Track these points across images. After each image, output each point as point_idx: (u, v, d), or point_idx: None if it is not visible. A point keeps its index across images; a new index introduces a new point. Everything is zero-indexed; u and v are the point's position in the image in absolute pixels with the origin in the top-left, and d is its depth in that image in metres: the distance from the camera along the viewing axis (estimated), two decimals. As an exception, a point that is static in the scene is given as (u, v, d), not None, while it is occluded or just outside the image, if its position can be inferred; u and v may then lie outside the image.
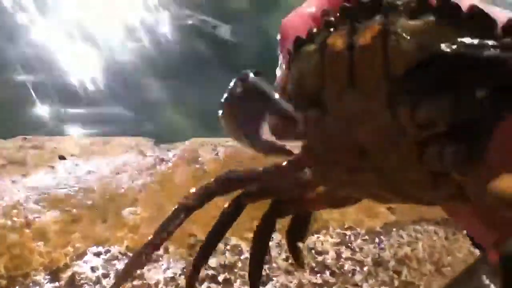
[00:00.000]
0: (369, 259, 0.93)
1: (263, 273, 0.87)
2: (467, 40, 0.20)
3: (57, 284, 0.77)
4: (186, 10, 2.27)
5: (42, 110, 1.70)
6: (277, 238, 0.93)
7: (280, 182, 0.33)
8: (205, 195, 0.35)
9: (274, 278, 0.86)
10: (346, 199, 0.33)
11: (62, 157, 1.00)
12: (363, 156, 0.25)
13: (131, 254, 0.84)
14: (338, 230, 0.97)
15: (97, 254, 0.82)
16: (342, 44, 0.23)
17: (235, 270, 0.86)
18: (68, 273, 0.79)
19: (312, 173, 0.30)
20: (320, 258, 0.92)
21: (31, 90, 1.73)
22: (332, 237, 0.96)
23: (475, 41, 0.20)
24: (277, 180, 0.33)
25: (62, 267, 0.80)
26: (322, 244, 0.94)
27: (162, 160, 1.05)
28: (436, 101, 0.21)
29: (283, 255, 0.90)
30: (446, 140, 0.22)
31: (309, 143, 0.28)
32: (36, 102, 1.71)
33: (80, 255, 0.82)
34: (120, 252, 0.84)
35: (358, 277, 0.89)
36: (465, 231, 0.96)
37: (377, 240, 0.97)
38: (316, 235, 0.95)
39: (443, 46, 0.20)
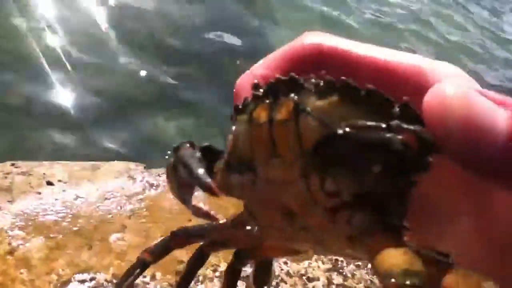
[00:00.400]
0: (361, 286, 0.91)
1: (253, 300, 0.84)
2: (357, 121, 0.22)
3: (39, 313, 0.75)
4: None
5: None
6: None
7: (233, 236, 0.35)
8: (162, 251, 0.37)
9: (264, 306, 0.84)
10: (297, 250, 0.35)
11: (49, 183, 0.98)
12: (290, 216, 0.28)
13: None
14: (330, 256, 0.96)
15: (82, 281, 0.80)
16: (265, 117, 0.26)
17: (224, 298, 0.84)
18: (51, 301, 0.77)
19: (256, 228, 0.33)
20: (311, 285, 0.90)
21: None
22: (323, 263, 0.94)
23: (363, 123, 0.22)
24: (227, 234, 0.35)
25: (45, 295, 0.77)
26: (313, 270, 0.92)
27: (152, 185, 1.04)
28: (338, 174, 0.23)
29: (274, 282, 0.88)
30: (353, 209, 0.24)
31: (246, 203, 0.30)
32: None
33: (65, 283, 0.80)
34: (106, 280, 0.82)
35: (350, 304, 0.87)
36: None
37: (369, 265, 0.95)
38: (307, 262, 0.93)
39: (340, 125, 0.22)
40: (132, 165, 1.08)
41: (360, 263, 0.96)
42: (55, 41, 2.13)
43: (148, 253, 0.37)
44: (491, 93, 0.22)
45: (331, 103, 0.24)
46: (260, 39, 2.53)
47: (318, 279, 0.90)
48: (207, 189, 0.27)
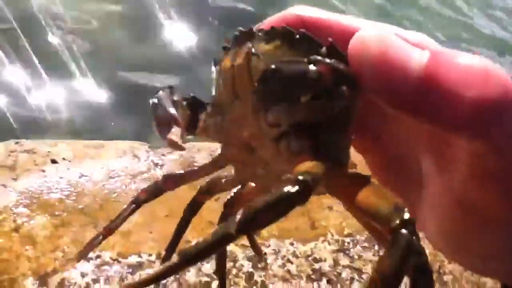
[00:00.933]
0: (368, 267, 0.90)
1: (258, 280, 0.84)
2: (285, 59, 0.26)
3: (45, 290, 0.75)
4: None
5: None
6: (273, 244, 0.91)
7: (215, 178, 0.39)
8: (156, 191, 0.40)
9: (270, 285, 0.84)
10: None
11: (54, 161, 0.97)
12: (250, 151, 0.31)
13: (122, 260, 0.82)
14: (337, 237, 0.95)
15: (87, 260, 0.80)
16: (228, 64, 0.30)
17: (229, 277, 0.84)
18: (57, 278, 0.76)
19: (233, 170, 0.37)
20: (317, 266, 0.89)
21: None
22: (330, 244, 0.93)
23: (288, 59, 0.26)
24: (216, 178, 0.39)
25: (51, 272, 0.77)
26: (320, 251, 0.91)
27: (157, 165, 1.03)
28: (274, 106, 0.27)
29: (279, 262, 0.87)
30: (292, 137, 0.28)
31: (220, 144, 0.35)
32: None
33: (70, 261, 0.79)
34: (111, 258, 0.81)
35: (356, 286, 0.87)
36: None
37: (376, 247, 0.94)
38: (314, 242, 0.92)
39: (274, 63, 0.25)
40: (136, 144, 1.06)
41: (367, 244, 0.95)
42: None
43: (144, 192, 0.40)
44: (409, 36, 0.24)
45: (275, 47, 0.28)
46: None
47: (324, 260, 0.90)
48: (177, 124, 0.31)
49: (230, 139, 0.32)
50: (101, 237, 0.40)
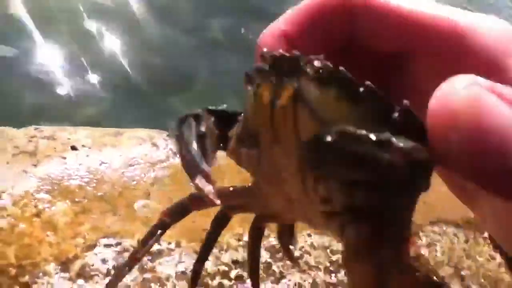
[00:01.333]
0: (385, 260, 0.90)
1: (276, 270, 0.84)
2: (347, 128, 0.20)
3: (67, 274, 0.76)
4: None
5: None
6: (291, 235, 0.91)
7: (245, 202, 0.35)
8: (181, 212, 0.37)
9: (287, 276, 0.84)
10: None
11: (74, 148, 0.98)
12: (291, 202, 0.27)
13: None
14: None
15: (108, 246, 0.81)
16: (267, 98, 0.24)
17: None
18: (78, 264, 0.77)
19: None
20: (335, 258, 0.89)
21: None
22: (347, 236, 0.93)
23: (353, 131, 0.20)
24: (240, 200, 0.35)
25: (72, 258, 0.78)
26: (337, 243, 0.91)
27: (175, 153, 1.03)
28: (327, 181, 0.22)
29: (297, 253, 0.87)
30: (345, 220, 0.23)
31: (253, 175, 0.30)
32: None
33: (91, 247, 0.80)
34: (131, 245, 0.82)
35: (374, 278, 0.87)
36: (486, 234, 0.93)
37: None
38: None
39: (330, 130, 0.20)
40: (155, 132, 1.07)
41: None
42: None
43: (167, 214, 0.38)
44: (504, 90, 0.18)
45: (329, 96, 0.23)
46: None
47: (342, 253, 0.89)
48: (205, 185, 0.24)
49: (266, 180, 0.28)
50: (128, 266, 0.38)
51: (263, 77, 0.25)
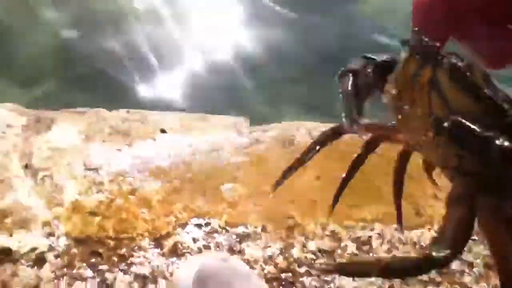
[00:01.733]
0: (478, 261, 0.85)
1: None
2: (463, 122, 0.26)
3: (160, 251, 0.78)
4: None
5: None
6: (378, 229, 0.88)
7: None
8: (332, 134, 0.41)
9: (374, 270, 0.82)
10: None
11: (163, 131, 1.01)
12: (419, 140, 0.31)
13: (230, 229, 0.84)
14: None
15: (198, 226, 0.83)
16: (413, 69, 0.29)
17: (334, 256, 0.83)
18: (171, 241, 0.80)
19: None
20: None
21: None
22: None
23: (467, 126, 0.26)
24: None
25: (165, 235, 0.81)
26: (427, 239, 0.87)
27: (258, 140, 1.04)
28: (450, 151, 0.28)
29: (385, 247, 0.85)
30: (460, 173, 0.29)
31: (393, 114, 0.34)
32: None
33: (182, 225, 0.83)
34: (219, 226, 0.83)
35: (467, 279, 0.82)
36: None
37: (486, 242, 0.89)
38: (420, 230, 0.89)
39: (459, 119, 0.26)
40: (239, 119, 1.08)
41: (476, 237, 0.90)
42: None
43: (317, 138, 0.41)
44: None
45: (459, 92, 0.27)
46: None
47: (432, 249, 0.86)
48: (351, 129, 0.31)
49: (402, 123, 0.33)
50: (292, 169, 0.43)
51: (411, 50, 0.30)
